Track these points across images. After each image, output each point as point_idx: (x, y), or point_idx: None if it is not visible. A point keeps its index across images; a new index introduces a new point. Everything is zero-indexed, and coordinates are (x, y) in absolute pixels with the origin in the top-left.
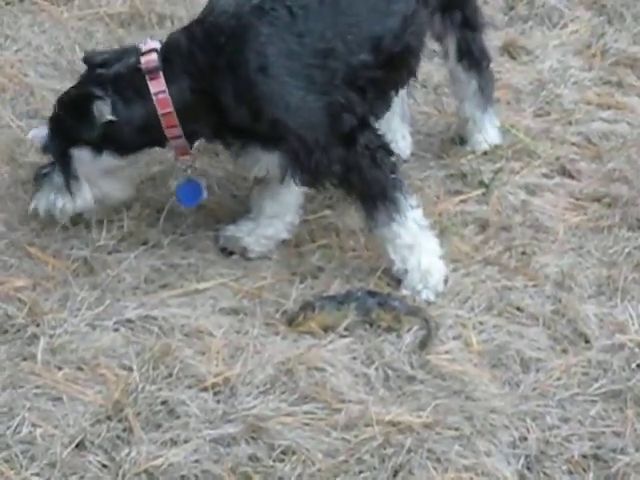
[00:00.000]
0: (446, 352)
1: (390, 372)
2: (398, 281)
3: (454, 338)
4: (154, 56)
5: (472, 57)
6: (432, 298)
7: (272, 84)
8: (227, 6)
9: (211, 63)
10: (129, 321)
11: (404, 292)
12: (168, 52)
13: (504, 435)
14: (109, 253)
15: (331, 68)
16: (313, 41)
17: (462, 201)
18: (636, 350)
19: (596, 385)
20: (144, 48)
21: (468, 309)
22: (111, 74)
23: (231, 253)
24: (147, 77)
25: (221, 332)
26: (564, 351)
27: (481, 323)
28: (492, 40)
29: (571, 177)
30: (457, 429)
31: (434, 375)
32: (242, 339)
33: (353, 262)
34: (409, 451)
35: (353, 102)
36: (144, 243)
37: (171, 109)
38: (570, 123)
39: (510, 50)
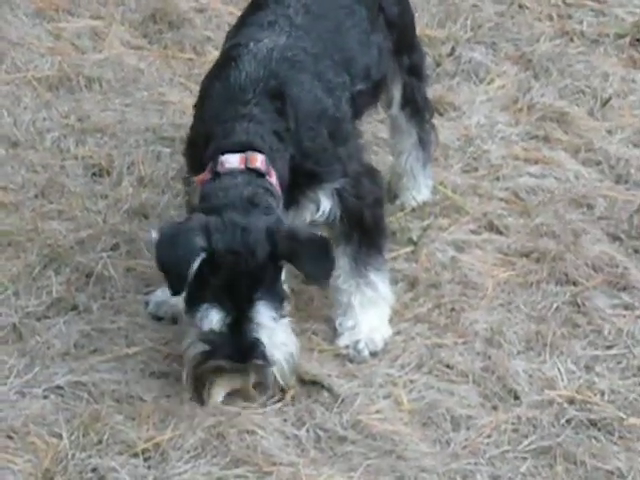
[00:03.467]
0: (377, 411)
1: (321, 433)
2: (330, 340)
3: (384, 397)
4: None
5: (415, 106)
6: (368, 357)
7: None
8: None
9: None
10: (59, 387)
11: (342, 347)
12: None
13: None
14: (38, 319)
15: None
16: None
17: (391, 259)
18: (565, 405)
19: (526, 442)
20: None
21: (398, 367)
22: None
23: (160, 318)
24: None
25: (152, 396)
26: (494, 408)
27: (411, 381)
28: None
29: (499, 233)
30: None
31: (365, 435)
32: (173, 403)
33: None
34: None
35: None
36: (73, 308)
37: None
38: (497, 179)
39: (438, 106)
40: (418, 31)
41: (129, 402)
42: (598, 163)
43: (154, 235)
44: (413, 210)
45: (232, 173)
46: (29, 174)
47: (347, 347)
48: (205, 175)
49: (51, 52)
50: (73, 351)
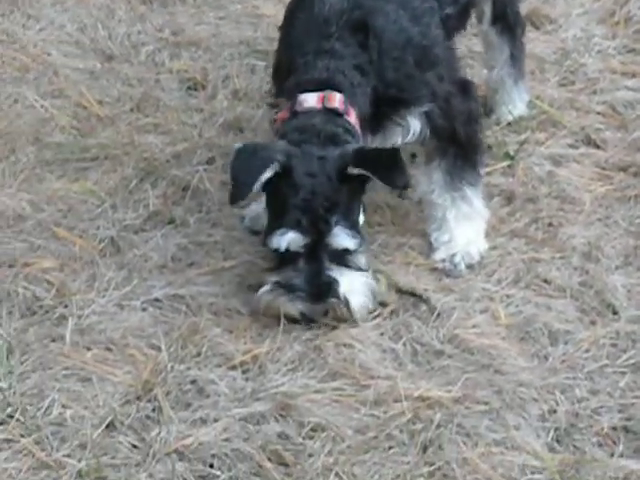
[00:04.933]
0: (474, 326)
1: (418, 347)
2: (426, 255)
3: (481, 312)
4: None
5: (506, 21)
6: (465, 270)
7: None
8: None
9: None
10: (157, 300)
11: (438, 260)
12: None
13: (533, 408)
14: (135, 232)
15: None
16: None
17: (487, 173)
18: None
19: (625, 357)
20: None
21: (495, 282)
22: None
23: (256, 232)
24: None
25: (249, 310)
26: (592, 323)
27: (508, 296)
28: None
29: (597, 147)
30: (486, 403)
31: (462, 349)
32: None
33: (380, 237)
34: (438, 426)
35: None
36: (170, 222)
37: None
38: (595, 92)
39: (533, 19)
40: None
41: (227, 315)
42: None
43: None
44: (509, 124)
45: (310, 112)
46: (124, 88)
47: (443, 261)
48: (284, 113)
49: None
50: (170, 264)
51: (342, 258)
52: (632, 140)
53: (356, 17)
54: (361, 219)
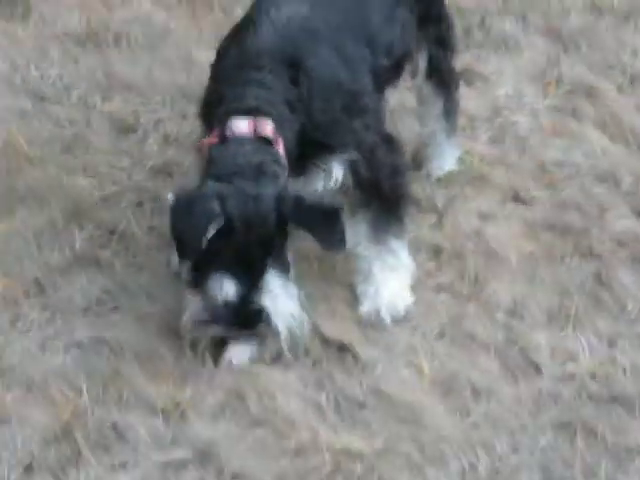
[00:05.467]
0: (397, 379)
1: (341, 399)
2: (352, 306)
3: (406, 365)
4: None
5: (441, 76)
6: (390, 323)
7: None
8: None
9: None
10: (79, 343)
11: (363, 313)
12: None
13: (454, 464)
14: (61, 274)
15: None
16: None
17: (415, 227)
18: (587, 380)
19: (546, 415)
20: None
21: (420, 336)
22: None
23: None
24: None
25: (172, 355)
26: (515, 380)
27: (433, 351)
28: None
29: (525, 205)
30: (408, 457)
31: (385, 402)
32: (193, 362)
33: (306, 287)
34: (359, 478)
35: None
36: (96, 264)
37: None
38: (524, 151)
39: (466, 76)
40: (447, 1)
41: (150, 360)
42: (625, 138)
43: (170, 200)
44: (439, 179)
45: (240, 139)
46: (55, 129)
47: (369, 313)
48: (213, 138)
49: (79, 7)
50: (95, 307)
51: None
52: (560, 200)
53: (288, 53)
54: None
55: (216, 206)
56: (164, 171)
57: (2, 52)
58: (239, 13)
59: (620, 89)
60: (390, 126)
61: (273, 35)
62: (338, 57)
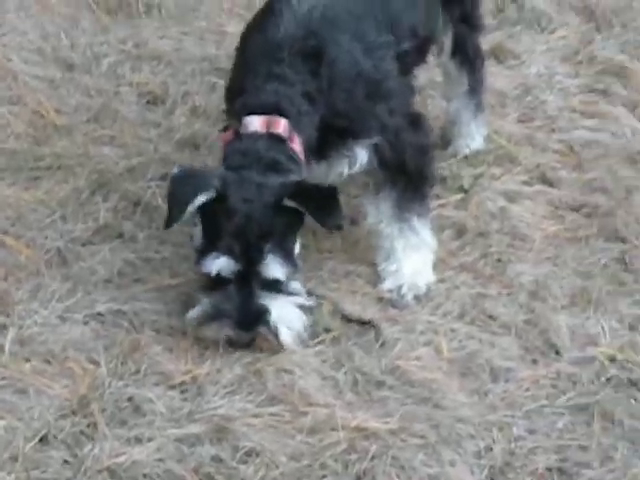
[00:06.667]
0: (416, 358)
1: (359, 376)
2: (374, 284)
3: (425, 344)
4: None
5: (466, 54)
6: (411, 302)
7: None
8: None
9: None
10: (99, 314)
11: (385, 290)
12: None
13: (470, 445)
14: (83, 245)
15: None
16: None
17: (440, 206)
18: (606, 364)
19: (564, 398)
20: None
21: (441, 315)
22: None
23: None
24: None
25: (191, 329)
26: (534, 362)
27: (453, 330)
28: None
29: (551, 185)
30: (423, 437)
31: (403, 381)
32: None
33: (328, 264)
34: (373, 457)
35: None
36: (119, 236)
37: None
38: (553, 130)
39: (497, 53)
40: None
41: (169, 334)
42: None
43: (174, 170)
44: (466, 157)
45: (253, 136)
46: (83, 98)
47: (390, 291)
48: (229, 135)
49: None
50: (116, 279)
51: (274, 285)
52: (587, 180)
53: (310, 45)
54: (297, 247)
55: (213, 182)
56: (191, 143)
57: (34, 20)
58: None
59: None
60: (419, 103)
61: (294, 25)
62: (360, 45)
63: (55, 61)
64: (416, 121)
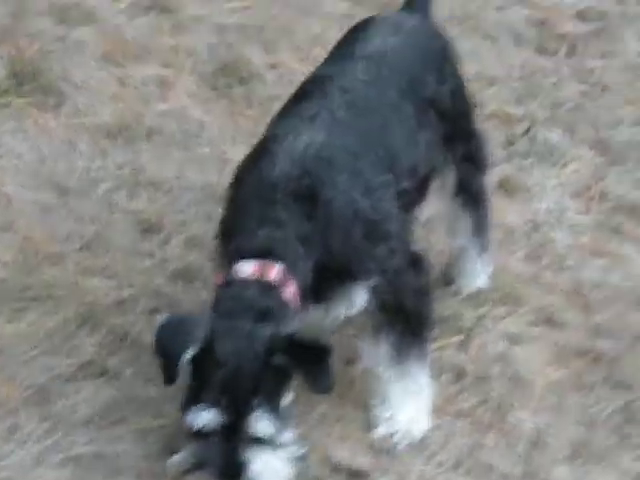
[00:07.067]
0: None
1: None
2: (366, 429)
3: None
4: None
5: (470, 193)
6: (404, 450)
7: None
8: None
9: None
10: (78, 457)
11: (377, 437)
12: None
13: None
14: (67, 380)
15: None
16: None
17: (439, 347)
18: None
19: None
20: None
21: (435, 465)
22: None
23: None
24: None
25: (172, 476)
26: None
27: None
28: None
29: (556, 327)
30: None
31: None
32: None
33: (320, 407)
34: None
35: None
36: (103, 373)
37: None
38: (561, 269)
39: (507, 187)
40: (494, 107)
41: (150, 478)
42: None
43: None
44: (469, 296)
45: (244, 283)
46: (76, 225)
47: (382, 438)
48: (220, 278)
49: (114, 98)
50: (97, 419)
51: (261, 438)
52: (594, 324)
53: (304, 185)
54: (290, 396)
55: (200, 331)
56: (185, 276)
57: (31, 142)
58: (276, 109)
59: None
60: (422, 237)
61: (289, 165)
62: (357, 185)
63: (50, 185)
64: (416, 262)
